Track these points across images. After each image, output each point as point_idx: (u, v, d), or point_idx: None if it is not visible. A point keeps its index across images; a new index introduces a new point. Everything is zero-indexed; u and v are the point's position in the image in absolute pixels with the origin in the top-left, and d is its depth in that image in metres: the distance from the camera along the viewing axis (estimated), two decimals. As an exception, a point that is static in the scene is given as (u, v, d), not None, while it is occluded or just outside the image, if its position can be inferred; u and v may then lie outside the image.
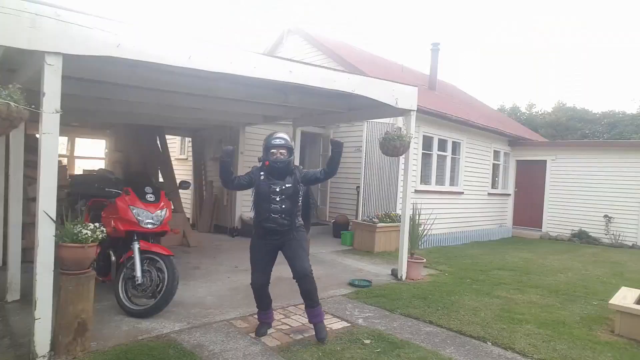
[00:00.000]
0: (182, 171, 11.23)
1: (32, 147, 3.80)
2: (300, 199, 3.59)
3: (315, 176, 3.68)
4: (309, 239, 3.65)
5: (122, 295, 3.99)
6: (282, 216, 3.43)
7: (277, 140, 3.54)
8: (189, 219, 9.42)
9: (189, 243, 7.63)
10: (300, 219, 3.65)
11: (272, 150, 3.52)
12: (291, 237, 3.53)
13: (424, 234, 6.43)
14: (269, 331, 3.73)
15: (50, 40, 2.86)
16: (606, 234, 11.19)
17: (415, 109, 5.87)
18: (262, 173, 3.52)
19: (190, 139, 11.03)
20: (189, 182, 5.45)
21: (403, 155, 5.81)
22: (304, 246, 3.62)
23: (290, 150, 3.57)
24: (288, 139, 3.62)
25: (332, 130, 9.79)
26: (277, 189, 3.44)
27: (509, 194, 13.17)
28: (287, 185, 3.47)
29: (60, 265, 3.05)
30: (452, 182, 10.77)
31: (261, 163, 3.57)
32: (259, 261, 3.59)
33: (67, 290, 3.03)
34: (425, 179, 9.93)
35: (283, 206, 3.43)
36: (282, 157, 3.50)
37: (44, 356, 2.93)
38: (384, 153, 5.67)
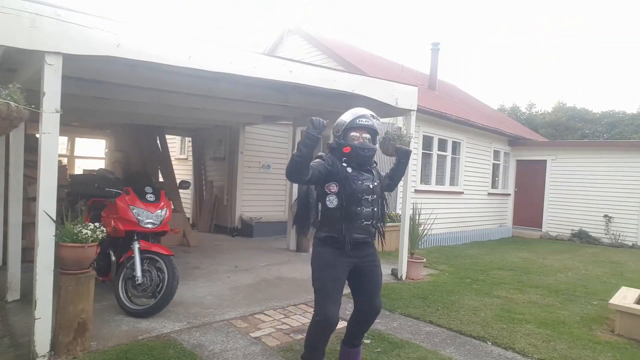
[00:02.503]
0: (182, 171, 11.23)
1: (32, 147, 3.80)
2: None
3: (387, 182, 2.98)
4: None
5: (122, 295, 3.99)
6: (373, 223, 2.69)
7: (364, 120, 2.67)
8: (189, 218, 9.43)
9: (189, 243, 7.63)
10: None
11: (354, 134, 2.67)
12: (369, 255, 2.74)
13: (424, 233, 6.43)
14: (269, 331, 3.72)
15: (50, 40, 2.86)
16: (606, 234, 11.18)
17: (416, 108, 5.87)
18: (346, 165, 2.65)
19: (190, 139, 11.04)
20: (189, 182, 5.46)
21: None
22: (380, 272, 2.83)
23: (374, 136, 2.75)
24: (375, 120, 2.74)
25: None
26: (370, 186, 2.66)
27: (509, 194, 13.17)
28: (376, 183, 2.72)
29: (60, 265, 3.05)
30: (452, 182, 10.77)
31: (330, 148, 2.74)
32: (336, 287, 2.62)
33: (67, 290, 3.03)
34: (425, 179, 9.93)
35: (375, 209, 2.68)
36: (368, 143, 2.70)
37: (44, 356, 2.93)
38: (384, 153, 5.66)
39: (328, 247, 2.64)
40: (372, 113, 2.75)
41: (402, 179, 3.15)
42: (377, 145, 2.76)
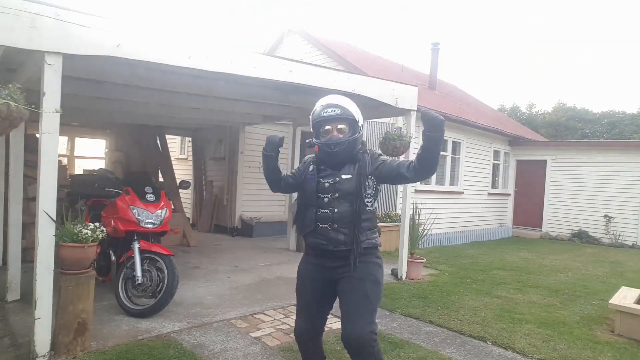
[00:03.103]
0: (182, 171, 11.22)
1: (32, 147, 3.80)
2: (371, 200, 2.31)
3: (397, 170, 2.22)
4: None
5: (122, 295, 3.99)
6: (335, 226, 2.23)
7: (329, 110, 2.25)
8: (189, 218, 9.42)
9: (189, 243, 7.63)
10: (374, 236, 2.34)
11: (326, 127, 2.27)
12: (344, 266, 2.26)
13: (424, 233, 6.43)
14: (269, 331, 3.72)
15: (50, 40, 2.86)
16: (606, 234, 11.18)
17: (416, 108, 5.87)
18: (311, 163, 2.39)
19: (190, 138, 11.03)
20: (189, 182, 5.46)
21: (403, 155, 5.81)
22: (366, 288, 2.23)
23: (353, 124, 2.29)
24: (346, 105, 2.29)
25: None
26: (327, 184, 2.27)
27: (509, 194, 13.17)
28: (343, 177, 2.26)
29: (60, 265, 3.05)
30: (452, 182, 10.77)
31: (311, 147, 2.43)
32: (305, 296, 2.41)
33: (67, 290, 3.03)
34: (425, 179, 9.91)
35: (336, 210, 2.23)
36: (339, 135, 2.26)
37: (44, 356, 2.93)
38: (384, 153, 5.66)
39: (303, 255, 2.49)
40: (342, 99, 2.33)
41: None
42: (357, 135, 2.30)
